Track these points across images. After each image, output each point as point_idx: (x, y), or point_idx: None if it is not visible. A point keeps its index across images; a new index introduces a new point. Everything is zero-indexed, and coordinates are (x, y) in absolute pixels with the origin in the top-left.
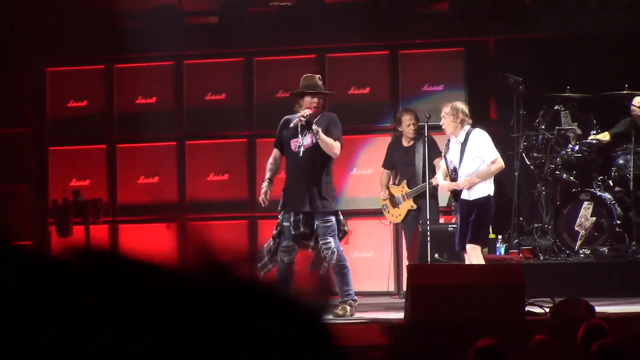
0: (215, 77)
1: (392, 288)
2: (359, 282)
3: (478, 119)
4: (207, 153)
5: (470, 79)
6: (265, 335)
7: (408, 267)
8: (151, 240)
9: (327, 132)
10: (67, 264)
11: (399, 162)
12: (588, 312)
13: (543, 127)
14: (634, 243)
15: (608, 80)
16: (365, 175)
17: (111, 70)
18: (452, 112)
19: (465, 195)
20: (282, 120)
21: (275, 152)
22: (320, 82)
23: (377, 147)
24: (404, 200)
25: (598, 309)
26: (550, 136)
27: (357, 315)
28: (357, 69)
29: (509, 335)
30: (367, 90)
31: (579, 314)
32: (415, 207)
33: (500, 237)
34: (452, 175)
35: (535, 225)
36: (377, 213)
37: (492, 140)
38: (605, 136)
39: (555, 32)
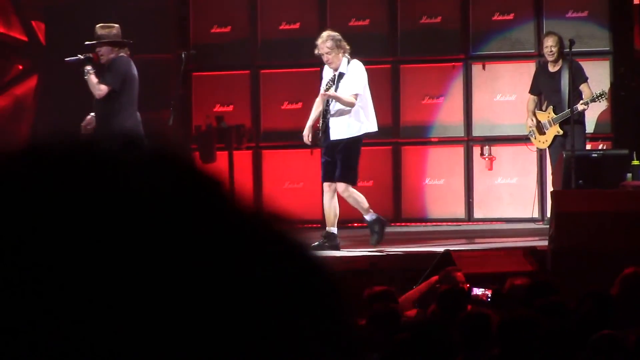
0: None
1: (536, 215)
2: (502, 208)
3: (621, 47)
4: None
5: (614, 5)
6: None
7: (553, 193)
8: (294, 166)
9: None
10: None
11: (544, 88)
12: None
13: None
14: None
15: None
16: (509, 102)
17: None
18: (334, 44)
19: (332, 136)
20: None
21: None
22: (107, 32)
23: (521, 73)
24: (550, 126)
25: None
26: None
27: (501, 240)
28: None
29: None
30: (511, 16)
31: None
32: (561, 132)
33: None
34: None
35: None
36: (521, 139)
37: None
38: None
39: None
